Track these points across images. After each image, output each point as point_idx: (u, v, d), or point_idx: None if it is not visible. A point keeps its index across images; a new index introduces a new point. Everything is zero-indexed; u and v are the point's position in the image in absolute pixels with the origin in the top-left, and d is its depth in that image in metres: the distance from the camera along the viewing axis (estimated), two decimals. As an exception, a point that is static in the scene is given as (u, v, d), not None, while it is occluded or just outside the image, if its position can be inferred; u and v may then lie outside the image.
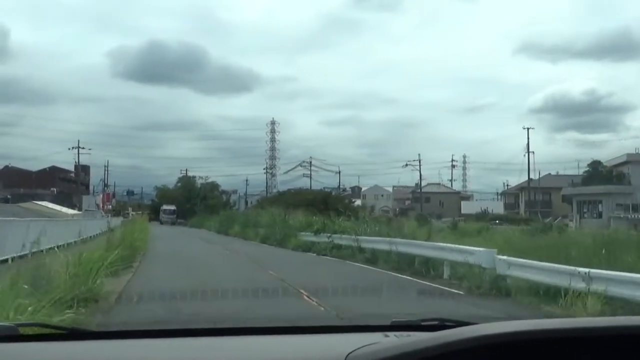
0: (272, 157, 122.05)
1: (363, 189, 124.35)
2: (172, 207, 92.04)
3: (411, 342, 1.84)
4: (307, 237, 31.26)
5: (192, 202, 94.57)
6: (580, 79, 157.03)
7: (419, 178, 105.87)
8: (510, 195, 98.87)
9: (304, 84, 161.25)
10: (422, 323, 2.70)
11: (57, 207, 54.25)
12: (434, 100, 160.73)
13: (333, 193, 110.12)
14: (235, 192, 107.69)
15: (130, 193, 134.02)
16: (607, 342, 1.82)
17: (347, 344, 1.95)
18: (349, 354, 1.87)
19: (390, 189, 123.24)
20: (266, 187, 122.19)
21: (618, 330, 1.87)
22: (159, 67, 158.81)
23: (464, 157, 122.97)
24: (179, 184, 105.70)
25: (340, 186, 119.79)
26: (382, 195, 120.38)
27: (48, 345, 2.37)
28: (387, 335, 2.41)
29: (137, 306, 9.57)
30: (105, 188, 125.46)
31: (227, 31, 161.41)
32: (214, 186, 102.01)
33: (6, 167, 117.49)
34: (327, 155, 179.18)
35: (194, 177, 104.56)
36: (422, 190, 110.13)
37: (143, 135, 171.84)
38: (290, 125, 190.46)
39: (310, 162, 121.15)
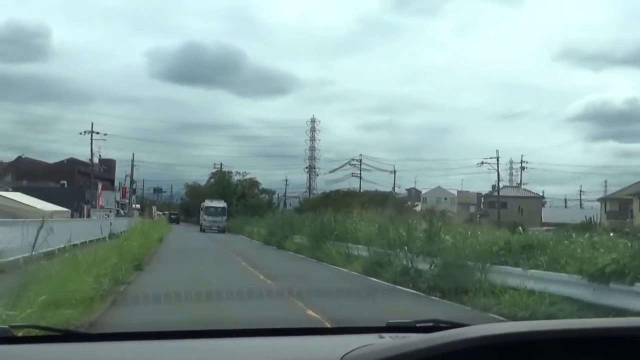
0: (312, 158, 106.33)
1: (423, 192, 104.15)
2: (221, 204, 63.48)
3: (406, 344, 1.76)
4: (552, 282, 11.11)
5: (227, 201, 74.97)
6: (621, 87, 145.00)
7: (492, 179, 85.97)
8: (613, 202, 77.88)
9: (340, 87, 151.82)
10: (417, 325, 2.60)
11: (36, 203, 35.27)
12: (471, 105, 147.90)
13: (391, 195, 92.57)
14: (274, 192, 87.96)
15: (158, 191, 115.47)
16: (601, 343, 1.75)
17: (342, 346, 1.89)
18: (344, 355, 1.80)
19: (454, 192, 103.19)
20: (309, 188, 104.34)
21: (611, 331, 1.78)
22: (196, 68, 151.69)
23: (511, 162, 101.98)
24: (212, 180, 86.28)
25: (395, 187, 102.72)
26: (445, 199, 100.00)
27: (42, 347, 2.30)
28: (382, 337, 2.31)
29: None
30: (132, 184, 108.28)
31: (264, 33, 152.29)
32: (253, 183, 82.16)
33: (19, 157, 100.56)
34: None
35: (229, 172, 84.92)
36: (490, 194, 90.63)
37: (177, 136, 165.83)
38: (326, 128, 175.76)
39: (360, 160, 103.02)
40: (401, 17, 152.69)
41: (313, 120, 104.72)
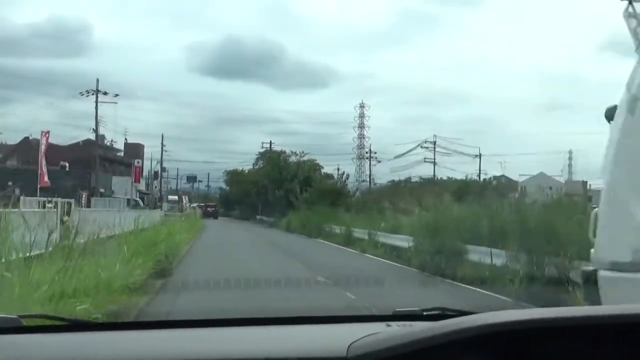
0: (361, 146, 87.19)
1: (521, 179, 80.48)
2: None
3: (413, 332, 1.70)
4: None
5: (285, 188, 52.16)
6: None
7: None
8: None
9: (380, 80, 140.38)
10: (424, 313, 2.44)
11: None
12: (512, 97, 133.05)
13: (494, 183, 70.35)
14: (348, 175, 63.96)
15: (192, 179, 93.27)
16: (614, 331, 1.63)
17: (349, 334, 1.80)
18: (351, 344, 1.72)
19: (561, 180, 79.37)
20: (369, 177, 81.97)
21: (623, 319, 1.66)
22: (235, 62, 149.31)
23: (570, 152, 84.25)
24: (261, 163, 63.30)
25: (482, 174, 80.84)
26: (551, 188, 76.14)
27: (51, 337, 2.19)
28: (389, 325, 2.22)
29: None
30: (162, 171, 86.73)
31: (304, 26, 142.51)
32: (313, 166, 58.57)
33: (25, 139, 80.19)
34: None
35: (283, 152, 61.71)
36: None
37: (215, 130, 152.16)
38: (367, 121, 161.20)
39: (435, 142, 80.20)
40: (443, 8, 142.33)
41: (362, 106, 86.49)
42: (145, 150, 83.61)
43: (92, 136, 55.29)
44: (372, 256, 20.35)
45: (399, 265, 17.21)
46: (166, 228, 19.11)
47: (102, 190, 54.30)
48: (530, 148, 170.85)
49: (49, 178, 50.57)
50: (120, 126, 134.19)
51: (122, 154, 78.60)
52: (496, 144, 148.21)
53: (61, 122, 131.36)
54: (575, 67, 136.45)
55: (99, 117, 54.20)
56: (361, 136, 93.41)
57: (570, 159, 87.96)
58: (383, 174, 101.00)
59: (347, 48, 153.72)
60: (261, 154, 64.61)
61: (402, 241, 19.12)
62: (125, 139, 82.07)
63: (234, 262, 14.33)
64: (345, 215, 33.26)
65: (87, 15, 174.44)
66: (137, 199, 56.07)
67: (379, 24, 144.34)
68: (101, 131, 56.16)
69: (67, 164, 58.81)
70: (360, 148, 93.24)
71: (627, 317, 1.65)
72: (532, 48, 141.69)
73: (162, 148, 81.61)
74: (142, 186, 75.54)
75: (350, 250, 23.30)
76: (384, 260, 18.96)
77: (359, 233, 25.82)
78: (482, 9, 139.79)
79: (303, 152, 59.24)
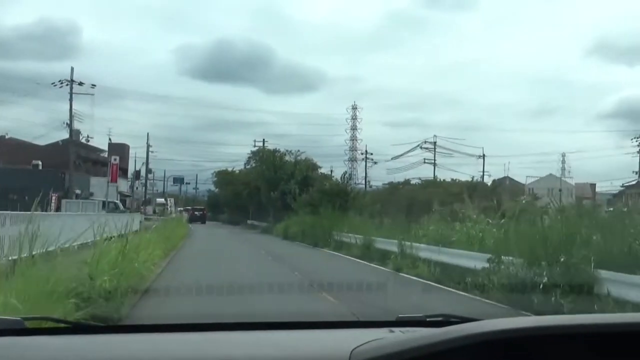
0: (353, 148, 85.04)
1: (529, 181, 75.72)
2: None
3: (416, 338, 1.69)
4: None
5: (281, 189, 46.59)
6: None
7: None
8: None
9: (371, 84, 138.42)
10: (427, 319, 2.44)
11: None
12: (500, 102, 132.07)
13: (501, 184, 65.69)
14: (350, 175, 58.29)
15: (179, 181, 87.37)
16: (615, 338, 1.62)
17: (352, 339, 1.80)
18: (354, 349, 1.72)
19: (571, 182, 74.47)
20: (365, 179, 77.09)
21: (625, 327, 1.65)
22: (225, 65, 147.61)
23: (563, 155, 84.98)
24: (254, 162, 57.68)
25: (485, 175, 76.64)
26: (560, 190, 71.41)
27: (53, 339, 2.18)
28: (392, 331, 2.20)
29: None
30: (148, 173, 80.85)
31: (293, 30, 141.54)
32: (311, 166, 52.81)
33: (2, 137, 74.38)
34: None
35: (277, 150, 56.03)
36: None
37: (205, 134, 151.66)
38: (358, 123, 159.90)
39: (435, 142, 75.60)
40: (432, 12, 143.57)
41: (355, 107, 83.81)
42: (131, 151, 77.84)
43: (67, 131, 49.26)
44: (415, 277, 14.78)
45: (471, 296, 11.63)
46: (136, 239, 13.63)
47: (78, 191, 48.66)
48: (521, 150, 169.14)
49: (17, 177, 44.88)
50: (99, 122, 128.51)
51: (106, 154, 73.04)
52: (489, 146, 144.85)
53: (49, 125, 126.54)
54: (562, 71, 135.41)
55: (74, 112, 48.31)
56: (353, 138, 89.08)
57: (563, 162, 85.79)
58: (378, 176, 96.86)
59: (337, 51, 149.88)
60: (254, 152, 59.03)
61: (464, 259, 13.69)
62: (109, 139, 76.51)
63: (228, 298, 8.86)
64: (356, 220, 27.92)
65: (76, 17, 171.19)
66: (117, 201, 50.35)
67: (368, 27, 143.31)
68: (76, 126, 50.11)
69: (39, 163, 53.12)
70: (353, 150, 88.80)
71: (629, 325, 1.61)
72: (521, 52, 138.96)
73: (147, 147, 76.09)
74: (124, 187, 69.81)
75: (378, 267, 17.87)
76: (437, 285, 13.33)
77: (381, 243, 20.53)
78: (471, 13, 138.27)
79: (299, 150, 53.60)
